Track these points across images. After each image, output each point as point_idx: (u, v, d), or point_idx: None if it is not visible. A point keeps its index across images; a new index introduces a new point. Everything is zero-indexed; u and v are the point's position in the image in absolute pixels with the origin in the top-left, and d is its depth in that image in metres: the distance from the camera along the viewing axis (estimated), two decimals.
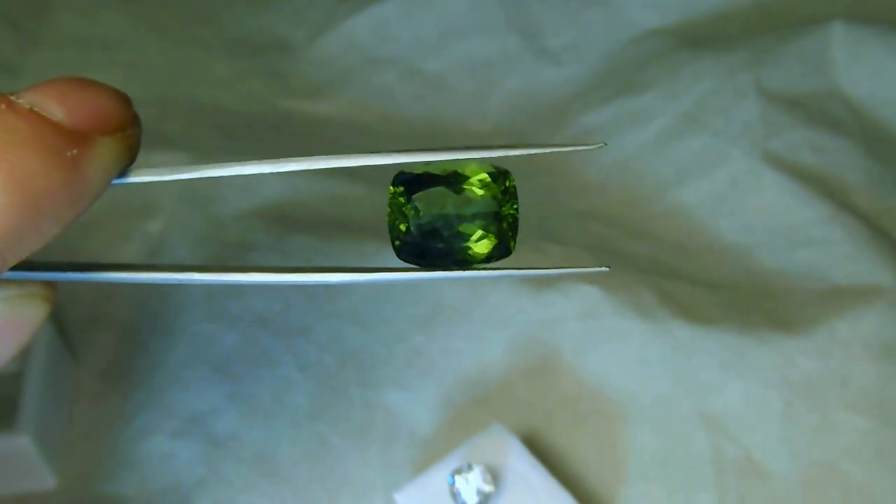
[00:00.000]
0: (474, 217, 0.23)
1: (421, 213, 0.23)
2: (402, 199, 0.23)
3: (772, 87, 0.56)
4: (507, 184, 0.24)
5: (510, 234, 0.24)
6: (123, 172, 0.23)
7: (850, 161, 0.53)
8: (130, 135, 0.22)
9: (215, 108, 0.59)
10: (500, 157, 0.23)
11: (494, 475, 0.38)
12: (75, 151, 0.21)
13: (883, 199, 0.51)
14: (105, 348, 0.46)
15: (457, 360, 0.46)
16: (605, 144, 0.24)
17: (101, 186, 0.22)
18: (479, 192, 0.23)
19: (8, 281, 0.22)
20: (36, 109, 0.21)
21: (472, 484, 0.37)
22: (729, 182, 0.53)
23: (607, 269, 0.23)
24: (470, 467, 0.37)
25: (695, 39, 0.60)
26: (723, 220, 0.52)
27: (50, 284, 0.23)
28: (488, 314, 0.47)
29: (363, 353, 0.46)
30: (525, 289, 0.47)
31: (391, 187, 0.24)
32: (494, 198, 0.23)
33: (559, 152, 0.23)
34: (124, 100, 0.22)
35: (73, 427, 0.44)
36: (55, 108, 0.21)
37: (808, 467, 0.42)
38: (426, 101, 0.61)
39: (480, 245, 0.23)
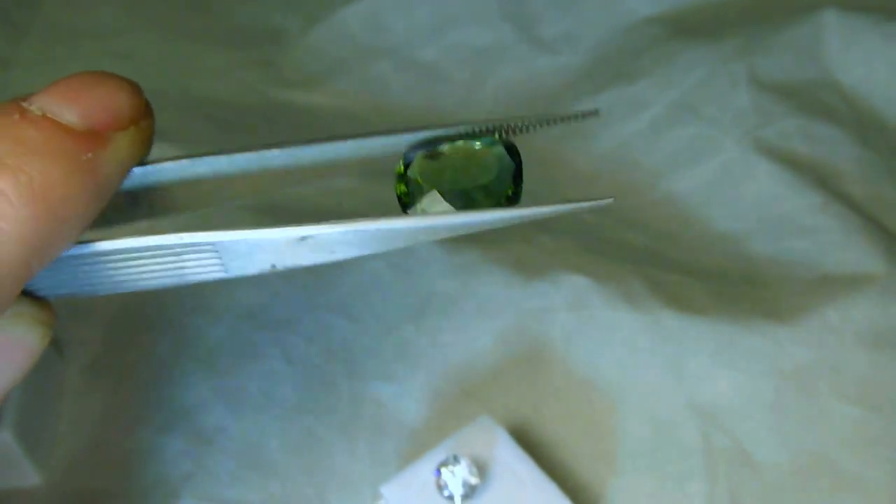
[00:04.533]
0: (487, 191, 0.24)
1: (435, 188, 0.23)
2: (416, 177, 0.24)
3: (765, 75, 0.56)
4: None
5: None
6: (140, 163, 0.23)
7: (843, 149, 0.52)
8: (144, 126, 0.22)
9: (208, 99, 0.59)
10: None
11: (481, 467, 0.37)
12: (91, 155, 0.21)
13: (875, 188, 0.51)
14: (90, 342, 0.46)
15: (446, 352, 0.46)
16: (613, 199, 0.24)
17: (118, 183, 0.22)
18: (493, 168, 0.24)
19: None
20: (49, 115, 0.21)
21: (458, 476, 0.37)
22: (721, 170, 0.53)
23: (611, 199, 0.24)
24: (456, 459, 0.37)
25: (688, 28, 0.60)
26: (715, 209, 0.52)
27: (45, 306, 0.23)
28: (478, 305, 0.47)
29: (351, 345, 0.46)
30: (515, 279, 0.47)
31: (401, 166, 0.24)
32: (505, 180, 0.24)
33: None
34: (136, 91, 0.22)
35: (58, 423, 0.43)
36: (68, 110, 0.21)
37: (798, 456, 0.42)
38: (420, 90, 0.61)
39: None
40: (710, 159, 0.53)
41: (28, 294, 0.22)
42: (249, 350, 0.45)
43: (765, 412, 0.43)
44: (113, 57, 0.61)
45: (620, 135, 0.56)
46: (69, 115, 0.21)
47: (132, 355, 0.45)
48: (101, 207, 0.22)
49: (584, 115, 0.24)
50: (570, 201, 0.24)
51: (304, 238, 0.22)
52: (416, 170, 0.24)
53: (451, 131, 0.23)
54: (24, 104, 0.21)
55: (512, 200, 0.24)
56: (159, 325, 0.46)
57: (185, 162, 0.23)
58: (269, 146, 0.24)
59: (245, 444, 0.43)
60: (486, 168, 0.24)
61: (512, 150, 0.24)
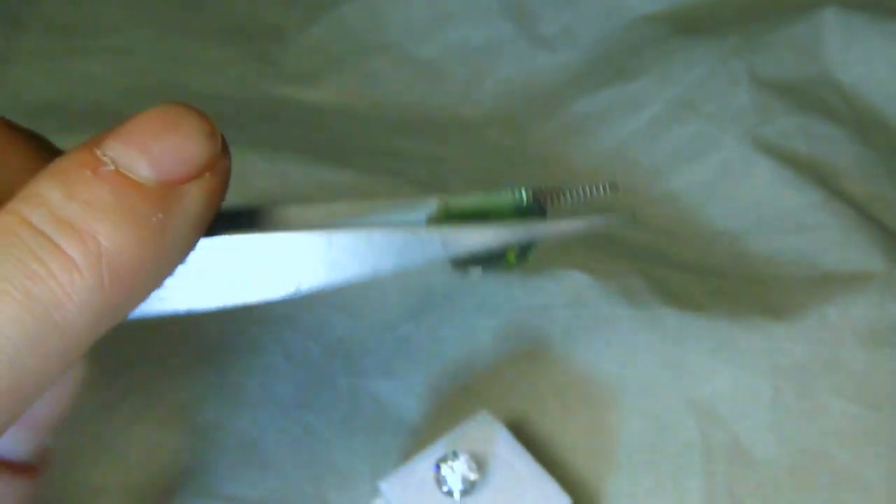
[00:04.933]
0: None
1: None
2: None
3: (764, 73, 0.56)
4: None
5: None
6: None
7: (842, 147, 0.52)
8: (220, 171, 0.21)
9: (206, 94, 0.59)
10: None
11: (480, 463, 0.37)
12: (161, 216, 0.20)
13: (874, 186, 0.51)
14: None
15: (445, 348, 0.45)
16: (635, 217, 0.24)
17: (192, 239, 0.21)
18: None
19: None
20: (122, 170, 0.20)
21: (457, 472, 0.37)
22: (720, 168, 0.53)
23: (632, 213, 0.25)
24: (455, 455, 0.37)
25: (688, 26, 0.60)
26: (714, 207, 0.52)
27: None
28: (477, 302, 0.47)
29: (350, 341, 0.46)
30: (514, 276, 0.47)
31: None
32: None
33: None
34: (212, 133, 0.21)
35: None
36: (140, 162, 0.20)
37: (796, 453, 0.42)
38: (418, 87, 0.61)
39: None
40: (710, 157, 0.53)
41: None
42: (249, 346, 0.45)
43: (763, 409, 0.43)
44: (111, 53, 0.61)
45: (620, 133, 0.56)
46: (142, 169, 0.20)
47: (130, 349, 0.45)
48: (173, 269, 0.21)
49: (607, 189, 0.24)
50: (588, 217, 0.24)
51: (330, 243, 0.22)
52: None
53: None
54: (98, 152, 0.20)
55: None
56: (157, 319, 0.46)
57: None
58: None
59: (243, 440, 0.43)
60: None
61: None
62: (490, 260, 0.24)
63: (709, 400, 0.44)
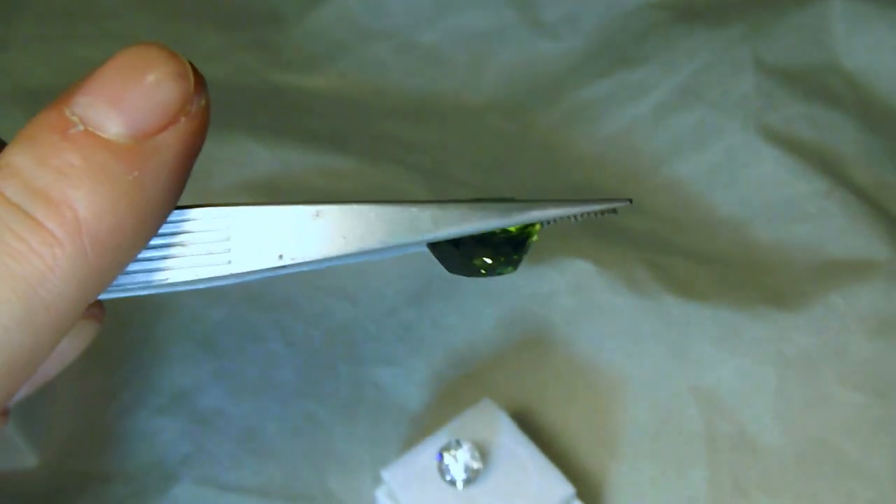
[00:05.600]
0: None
1: None
2: None
3: (769, 60, 0.55)
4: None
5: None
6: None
7: (848, 135, 0.52)
8: (195, 115, 0.20)
9: (206, 80, 0.59)
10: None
11: (483, 451, 0.37)
12: (137, 173, 0.19)
13: (880, 173, 0.51)
14: None
15: (448, 336, 0.45)
16: (631, 202, 0.23)
17: (173, 193, 0.20)
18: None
19: None
20: (91, 130, 0.19)
21: (460, 461, 0.36)
22: (725, 156, 0.53)
23: (629, 201, 0.24)
24: (458, 444, 0.37)
25: (692, 12, 0.60)
26: (718, 194, 0.51)
27: (100, 304, 0.23)
28: (480, 289, 0.46)
29: (352, 328, 0.45)
30: None
31: None
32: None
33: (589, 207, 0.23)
34: (182, 72, 0.20)
35: (55, 404, 0.43)
36: (110, 120, 0.19)
37: (801, 442, 0.42)
38: (420, 74, 0.61)
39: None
40: (714, 144, 0.53)
41: None
42: (249, 333, 0.45)
43: (768, 398, 0.43)
44: (110, 38, 0.60)
45: (624, 120, 0.56)
46: (113, 126, 0.19)
47: (130, 337, 0.45)
48: (158, 225, 0.21)
49: (617, 202, 0.24)
50: (585, 201, 0.23)
51: (318, 213, 0.22)
52: None
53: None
54: (67, 112, 0.19)
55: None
56: (158, 306, 0.46)
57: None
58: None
59: (244, 428, 0.42)
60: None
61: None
62: (484, 266, 0.24)
63: (713, 389, 0.43)
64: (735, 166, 0.52)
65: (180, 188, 0.21)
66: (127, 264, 0.20)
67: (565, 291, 0.46)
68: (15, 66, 0.58)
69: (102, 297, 0.21)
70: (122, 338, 0.45)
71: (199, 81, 0.20)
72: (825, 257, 0.48)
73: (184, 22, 0.62)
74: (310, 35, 0.62)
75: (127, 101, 0.19)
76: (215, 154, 0.51)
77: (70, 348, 0.24)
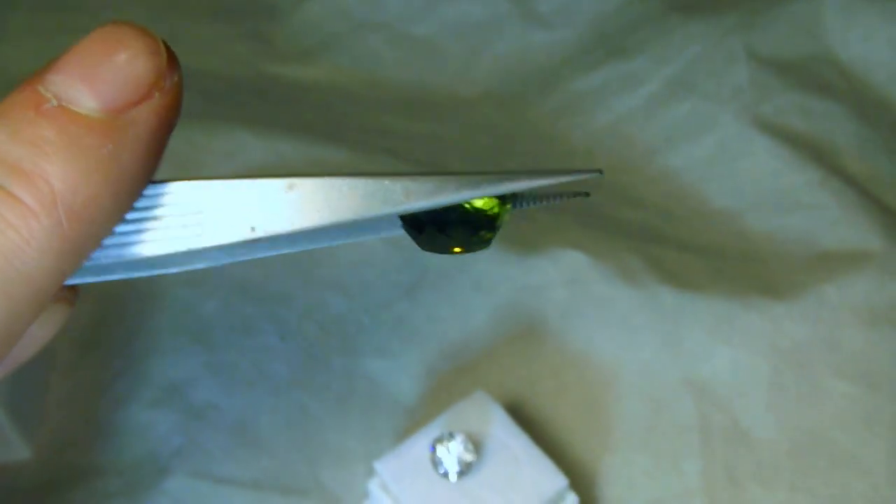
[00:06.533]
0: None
1: None
2: None
3: (762, 51, 0.55)
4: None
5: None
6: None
7: (841, 125, 0.52)
8: (168, 90, 0.20)
9: (199, 72, 0.59)
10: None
11: (476, 443, 0.37)
12: (111, 146, 0.20)
13: (873, 164, 0.51)
14: (81, 316, 0.45)
15: (441, 328, 0.45)
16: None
17: (148, 167, 0.21)
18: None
19: None
20: (65, 105, 0.20)
21: (453, 453, 0.36)
22: (718, 146, 0.53)
23: (600, 171, 0.23)
24: (451, 436, 0.37)
25: (685, 3, 0.60)
26: (712, 185, 0.51)
27: (72, 287, 0.23)
28: (474, 281, 0.46)
29: (345, 320, 0.45)
30: (511, 255, 0.47)
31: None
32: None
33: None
34: (155, 49, 0.20)
35: (48, 396, 0.43)
36: (83, 94, 0.20)
37: (795, 434, 0.42)
38: (414, 65, 0.61)
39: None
40: (708, 135, 0.53)
41: None
42: (242, 325, 0.45)
43: (761, 389, 0.43)
44: None
45: (617, 110, 0.55)
46: (86, 101, 0.20)
47: (123, 329, 0.45)
48: (133, 198, 0.21)
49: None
50: (555, 172, 0.23)
51: (291, 186, 0.22)
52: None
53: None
54: (41, 89, 0.20)
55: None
56: (151, 298, 0.46)
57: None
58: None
59: (237, 420, 0.42)
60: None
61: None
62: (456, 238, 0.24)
63: (707, 380, 0.43)
64: (728, 157, 0.52)
65: (155, 163, 0.21)
66: (103, 237, 0.21)
67: (559, 283, 0.46)
68: (7, 59, 0.58)
69: (81, 281, 0.22)
70: (115, 331, 0.45)
71: (172, 58, 0.21)
72: (818, 248, 0.48)
73: (178, 13, 0.62)
74: (303, 26, 0.62)
75: (100, 76, 0.20)
76: (208, 145, 0.51)
77: (42, 332, 0.24)
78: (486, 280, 0.46)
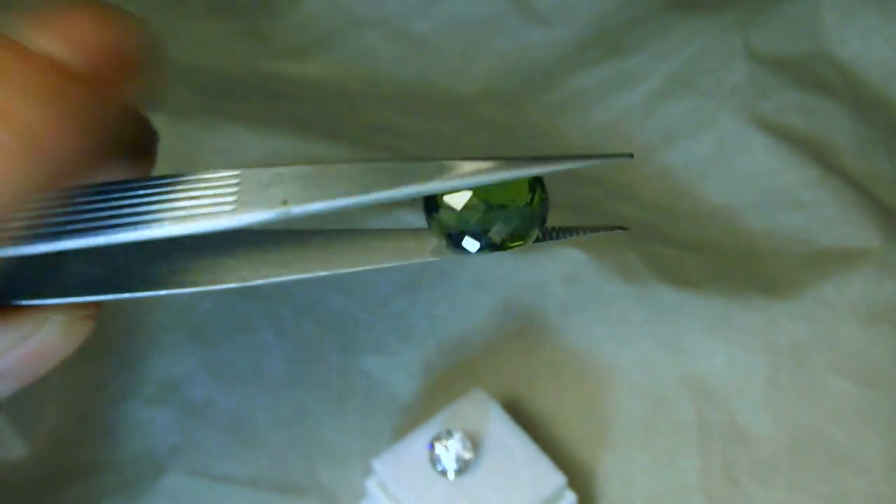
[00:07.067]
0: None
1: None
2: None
3: (761, 48, 0.55)
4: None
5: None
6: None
7: (839, 123, 0.52)
8: (142, 60, 0.22)
9: (195, 68, 0.58)
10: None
11: (474, 441, 0.37)
12: (92, 101, 0.21)
13: (871, 162, 0.51)
14: None
15: (439, 325, 0.45)
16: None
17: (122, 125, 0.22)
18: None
19: (69, 305, 0.23)
20: (30, 47, 0.20)
21: (451, 451, 0.36)
22: (717, 144, 0.52)
23: (631, 155, 0.23)
24: (450, 434, 0.37)
25: (684, 1, 0.60)
26: (710, 183, 0.51)
27: (95, 304, 0.24)
28: (472, 278, 0.46)
29: (343, 317, 0.45)
30: (509, 253, 0.46)
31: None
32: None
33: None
34: (130, 23, 0.22)
35: (45, 394, 0.43)
36: (54, 41, 0.21)
37: (793, 431, 0.42)
38: (412, 62, 0.60)
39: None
40: (706, 133, 0.53)
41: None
42: (239, 322, 0.45)
43: (759, 387, 0.43)
44: None
45: (615, 108, 0.55)
46: (56, 49, 0.21)
47: (120, 326, 0.45)
48: (102, 150, 0.21)
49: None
50: (586, 157, 0.24)
51: (323, 171, 0.22)
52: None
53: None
54: (18, 37, 0.21)
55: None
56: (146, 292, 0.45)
57: None
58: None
59: (233, 418, 0.42)
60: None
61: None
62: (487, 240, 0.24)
63: (705, 378, 0.43)
64: (727, 155, 0.52)
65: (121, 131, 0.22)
66: (70, 177, 0.21)
67: (557, 280, 0.46)
68: None
69: (114, 297, 0.22)
70: (112, 327, 0.45)
71: (146, 35, 0.22)
72: (817, 246, 0.48)
73: (174, 9, 0.62)
74: (301, 23, 0.62)
75: (75, 32, 0.21)
76: (206, 142, 0.51)
77: (64, 346, 0.24)
78: (485, 278, 0.46)
